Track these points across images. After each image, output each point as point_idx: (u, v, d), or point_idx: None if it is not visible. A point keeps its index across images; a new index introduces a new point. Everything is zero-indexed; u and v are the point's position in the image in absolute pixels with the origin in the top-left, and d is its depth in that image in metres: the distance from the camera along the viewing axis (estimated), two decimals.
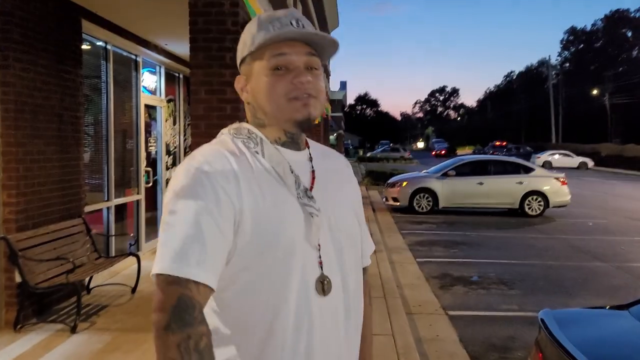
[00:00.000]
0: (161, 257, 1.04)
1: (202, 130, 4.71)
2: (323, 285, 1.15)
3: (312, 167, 1.25)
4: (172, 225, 1.06)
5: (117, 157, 7.23)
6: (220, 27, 4.67)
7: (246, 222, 1.10)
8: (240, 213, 1.10)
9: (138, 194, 7.88)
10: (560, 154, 40.09)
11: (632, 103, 53.13)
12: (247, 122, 1.28)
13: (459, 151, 59.55)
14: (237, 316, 1.13)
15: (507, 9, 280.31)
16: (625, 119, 56.21)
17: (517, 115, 74.52)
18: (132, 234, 6.53)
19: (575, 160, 38.91)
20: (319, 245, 1.16)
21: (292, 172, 1.18)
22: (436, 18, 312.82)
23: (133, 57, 7.74)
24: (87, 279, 5.82)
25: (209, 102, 4.70)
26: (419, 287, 6.80)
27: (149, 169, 8.11)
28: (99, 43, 6.81)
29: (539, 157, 37.99)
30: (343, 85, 51.42)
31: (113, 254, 6.77)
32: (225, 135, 1.25)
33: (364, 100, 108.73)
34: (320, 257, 1.16)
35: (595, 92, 57.19)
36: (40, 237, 5.01)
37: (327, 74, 23.68)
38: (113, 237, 6.89)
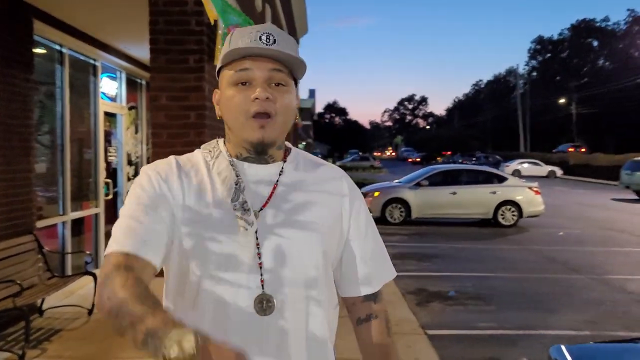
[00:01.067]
0: (111, 243, 1.12)
1: (163, 140, 4.34)
2: (262, 305, 1.12)
3: (277, 182, 1.22)
4: (119, 219, 1.15)
5: (74, 167, 6.76)
6: (182, 27, 4.32)
7: (180, 223, 1.16)
8: (177, 209, 1.16)
9: (97, 207, 7.41)
10: (529, 162, 40.52)
11: (596, 113, 54.28)
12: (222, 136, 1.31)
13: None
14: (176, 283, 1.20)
15: (476, 18, 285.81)
16: (590, 129, 57.45)
17: (485, 124, 75.54)
18: (88, 252, 6.07)
19: (544, 169, 39.37)
20: (260, 263, 1.14)
21: (236, 184, 1.17)
22: (405, 28, 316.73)
23: (91, 61, 7.30)
24: (39, 301, 5.35)
25: (170, 109, 4.33)
26: (396, 304, 6.48)
27: (108, 180, 7.65)
28: (54, 46, 6.36)
29: (508, 166, 38.34)
30: (312, 93, 51.33)
31: (69, 273, 6.29)
32: (196, 149, 1.31)
33: (332, 108, 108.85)
34: (262, 275, 1.13)
35: (561, 101, 58.25)
36: None
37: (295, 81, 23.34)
38: (69, 255, 6.41)
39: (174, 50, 4.29)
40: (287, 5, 16.01)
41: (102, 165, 7.53)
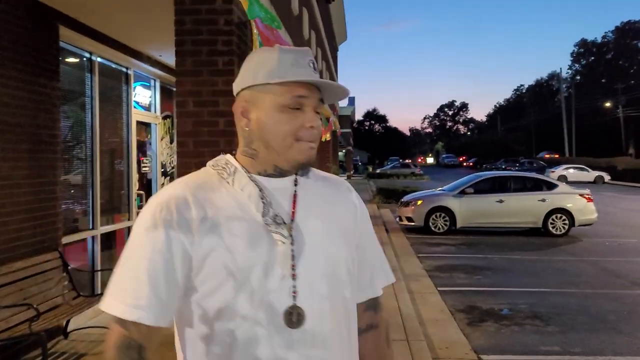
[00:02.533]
0: (109, 292, 1.11)
1: (189, 149, 3.99)
2: (292, 317, 1.12)
3: (295, 191, 1.23)
4: (123, 263, 1.13)
5: (104, 179, 6.51)
6: (211, 27, 3.96)
7: (201, 261, 1.12)
8: (195, 253, 1.12)
9: (129, 219, 7.14)
10: (575, 168, 39.25)
11: None
12: (235, 151, 1.28)
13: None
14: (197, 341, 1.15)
15: (516, 23, 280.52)
16: (639, 132, 55.22)
17: (528, 129, 73.63)
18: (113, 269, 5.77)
19: (591, 175, 37.99)
20: (294, 274, 1.13)
21: (262, 199, 1.17)
22: (444, 33, 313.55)
23: (123, 69, 7.07)
24: (64, 322, 5.07)
25: (198, 116, 3.97)
26: (444, 324, 5.98)
27: (141, 192, 7.39)
28: (83, 54, 6.13)
29: (553, 172, 37.04)
30: (351, 101, 50.89)
31: (99, 291, 6.02)
32: (207, 166, 1.28)
33: (372, 115, 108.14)
34: (294, 286, 1.13)
35: (607, 104, 56.28)
36: (2, 277, 4.26)
37: None
38: (99, 272, 6.15)
39: (201, 52, 3.94)
40: (325, 11, 15.70)
41: (134, 176, 7.29)
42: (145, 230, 1.12)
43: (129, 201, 7.18)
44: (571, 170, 38.24)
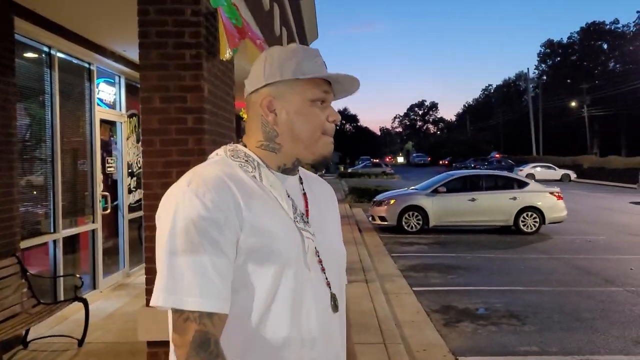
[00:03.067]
0: (172, 289, 1.05)
1: (156, 148, 3.76)
2: (335, 303, 1.23)
3: (304, 190, 1.29)
4: (174, 254, 1.07)
5: (67, 180, 6.21)
6: (177, 17, 3.74)
7: (249, 245, 1.12)
8: (244, 239, 1.11)
9: (94, 222, 6.84)
10: (542, 166, 39.91)
11: (609, 115, 53.44)
12: (242, 142, 1.28)
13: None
14: (246, 327, 1.13)
15: (484, 23, 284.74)
16: (603, 131, 56.54)
17: (496, 129, 74.69)
18: (78, 275, 5.48)
19: (558, 173, 38.66)
20: (324, 268, 1.22)
21: (288, 196, 1.21)
22: (413, 33, 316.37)
23: (85, 65, 6.76)
24: (23, 331, 4.77)
25: (165, 113, 3.75)
26: (421, 325, 5.86)
27: (106, 193, 7.08)
28: (41, 48, 5.82)
29: (521, 170, 37.59)
30: None
31: (62, 297, 5.72)
32: (221, 156, 1.24)
33: (343, 115, 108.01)
34: (327, 278, 1.22)
35: (573, 104, 57.42)
36: None
37: None
38: (61, 278, 5.84)
39: (167, 44, 3.71)
40: (296, 8, 15.50)
41: (99, 177, 6.98)
42: (192, 215, 1.07)
43: (93, 203, 6.87)
44: (538, 169, 38.86)
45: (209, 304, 1.04)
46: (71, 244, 6.36)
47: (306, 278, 1.16)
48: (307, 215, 1.23)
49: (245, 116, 6.80)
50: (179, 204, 1.09)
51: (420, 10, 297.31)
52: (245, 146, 1.25)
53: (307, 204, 1.26)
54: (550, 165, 40.39)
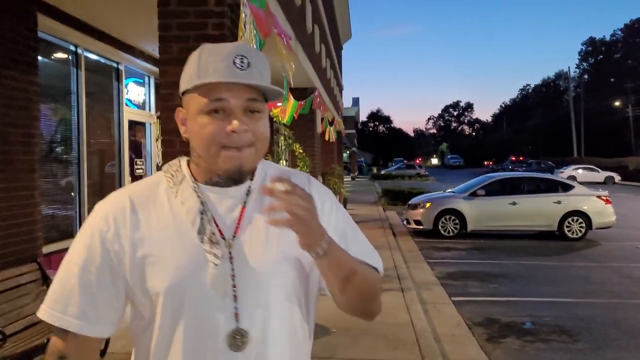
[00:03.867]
0: (45, 299, 1.11)
1: (176, 149, 3.49)
2: (236, 340, 1.07)
3: (245, 203, 1.15)
4: (60, 270, 1.12)
5: (93, 182, 6.04)
6: (199, 8, 3.46)
7: (136, 273, 1.09)
8: (120, 263, 1.10)
9: None
10: (584, 168, 38.68)
11: None
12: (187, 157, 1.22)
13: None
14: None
15: (522, 22, 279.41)
16: None
17: (535, 130, 72.92)
18: None
19: (601, 175, 37.37)
20: (235, 295, 1.08)
21: (202, 214, 1.11)
22: (449, 33, 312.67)
23: (114, 64, 6.60)
24: (45, 340, 4.57)
25: None
26: (462, 340, 5.45)
27: None
28: (68, 46, 5.66)
29: (562, 172, 36.41)
30: (356, 101, 50.41)
31: None
32: (161, 170, 1.20)
33: (376, 117, 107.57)
34: (236, 308, 1.08)
35: (616, 104, 55.58)
36: None
37: (340, 88, 22.57)
38: None
39: (188, 37, 3.44)
40: (329, 6, 15.19)
41: (127, 179, 6.81)
42: (82, 238, 1.12)
43: None
44: (580, 171, 37.63)
45: (60, 320, 1.08)
46: None
47: (193, 308, 1.07)
48: (236, 232, 1.12)
49: (280, 119, 6.45)
50: (83, 225, 1.15)
51: (454, 9, 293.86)
52: (183, 158, 1.21)
53: (240, 220, 1.13)
54: (593, 167, 39.11)
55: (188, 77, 1.12)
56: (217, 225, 1.11)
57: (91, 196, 5.93)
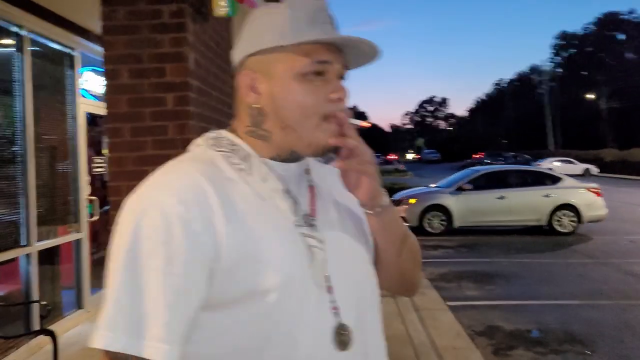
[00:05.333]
0: (111, 326, 0.82)
1: (126, 139, 2.79)
2: (342, 337, 0.91)
3: (309, 181, 1.02)
4: (127, 283, 0.83)
5: (43, 183, 5.26)
6: None
7: (225, 269, 0.86)
8: (217, 260, 0.86)
9: (78, 231, 5.90)
10: (561, 160, 38.88)
11: (627, 107, 52.14)
12: (232, 129, 1.02)
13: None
14: None
15: (494, 16, 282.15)
16: (621, 124, 55.16)
17: (510, 123, 73.36)
18: (43, 302, 4.50)
19: (579, 167, 37.53)
20: (330, 286, 0.93)
21: (288, 193, 0.95)
22: (422, 29, 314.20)
23: (66, 50, 5.82)
24: None
25: (136, 91, 2.78)
26: (466, 354, 4.85)
27: (93, 197, 6.14)
28: (8, 27, 4.88)
29: (539, 165, 36.33)
30: None
31: (36, 327, 4.73)
32: (201, 147, 1.00)
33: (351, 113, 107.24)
34: (335, 301, 0.92)
35: (589, 97, 56.13)
36: None
37: None
38: (32, 299, 4.89)
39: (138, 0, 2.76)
40: None
41: (84, 179, 6.04)
42: (155, 234, 0.83)
43: (78, 209, 5.93)
44: (558, 163, 37.70)
45: (159, 350, 0.82)
46: (49, 257, 5.43)
47: (304, 303, 0.89)
48: (314, 215, 0.97)
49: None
50: (138, 217, 0.85)
51: (429, 5, 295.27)
52: (234, 132, 1.00)
53: (313, 201, 0.99)
54: (570, 159, 39.25)
55: (278, 32, 0.94)
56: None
57: (40, 199, 5.17)
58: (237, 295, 0.87)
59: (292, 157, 0.98)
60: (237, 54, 0.99)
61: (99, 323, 0.83)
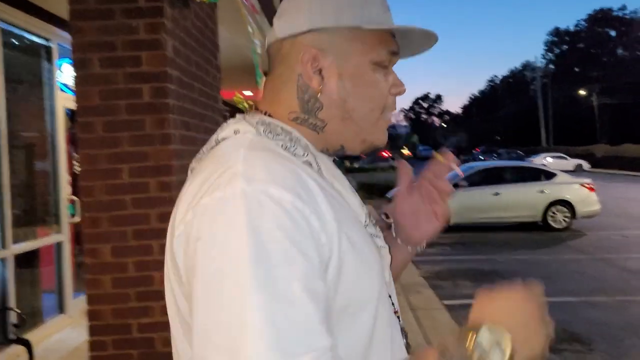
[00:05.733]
0: (285, 340, 0.64)
1: (98, 135, 2.57)
2: (407, 340, 0.90)
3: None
4: (272, 304, 0.64)
5: (18, 183, 5.04)
6: None
7: (345, 275, 0.75)
8: (337, 266, 0.74)
9: (58, 232, 5.67)
10: (553, 156, 39.03)
11: (619, 103, 52.36)
12: (262, 111, 0.86)
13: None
14: None
15: (487, 13, 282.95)
16: (613, 120, 55.39)
17: (503, 120, 73.50)
18: (18, 310, 4.25)
19: (571, 163, 37.65)
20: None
21: (354, 190, 0.89)
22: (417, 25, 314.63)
23: (42, 42, 5.58)
24: None
25: (109, 82, 2.55)
26: None
27: (75, 197, 5.90)
28: None
29: (532, 161, 36.40)
30: None
31: (12, 336, 4.50)
32: (250, 135, 0.80)
33: None
34: (394, 304, 0.88)
35: (582, 93, 56.34)
36: None
37: None
38: (8, 305, 4.65)
39: None
40: None
41: (64, 178, 5.81)
42: (282, 235, 0.67)
43: (58, 209, 5.70)
44: (550, 159, 37.83)
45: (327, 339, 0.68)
46: (29, 260, 5.19)
47: (388, 305, 0.84)
48: None
49: (247, 104, 5.56)
50: (252, 214, 0.67)
51: (422, 1, 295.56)
52: (271, 117, 0.84)
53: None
54: (562, 155, 39.41)
55: (359, 11, 0.81)
56: None
57: (16, 199, 4.93)
58: (357, 300, 0.78)
59: (337, 153, 0.89)
60: (295, 23, 0.83)
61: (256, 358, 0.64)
